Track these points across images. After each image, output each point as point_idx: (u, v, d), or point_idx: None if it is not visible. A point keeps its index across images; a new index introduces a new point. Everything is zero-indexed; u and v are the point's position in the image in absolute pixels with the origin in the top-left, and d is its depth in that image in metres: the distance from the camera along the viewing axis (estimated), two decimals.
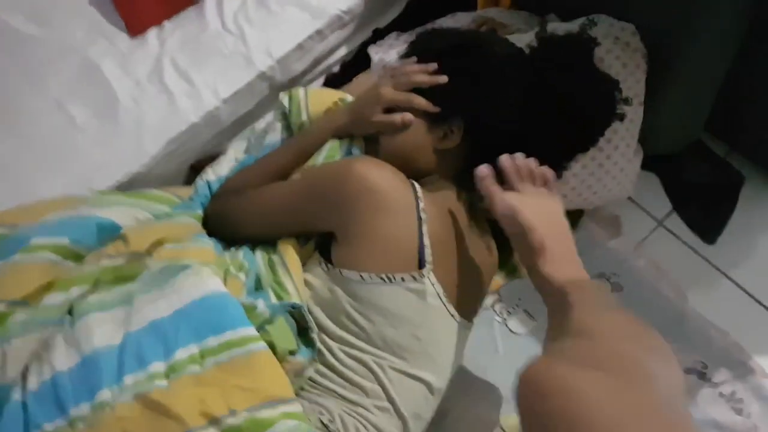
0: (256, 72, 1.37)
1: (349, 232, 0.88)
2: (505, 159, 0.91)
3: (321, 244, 0.96)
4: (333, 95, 1.16)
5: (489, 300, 1.38)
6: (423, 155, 0.99)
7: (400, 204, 0.87)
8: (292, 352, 0.85)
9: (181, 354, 0.79)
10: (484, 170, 0.89)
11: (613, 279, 1.45)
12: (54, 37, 1.39)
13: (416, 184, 0.91)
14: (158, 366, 0.78)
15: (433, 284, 0.87)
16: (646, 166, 1.45)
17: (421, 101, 0.97)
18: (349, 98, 1.15)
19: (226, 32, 1.40)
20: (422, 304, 0.87)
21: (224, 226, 1.05)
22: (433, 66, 0.98)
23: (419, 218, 0.87)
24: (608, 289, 0.80)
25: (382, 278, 0.85)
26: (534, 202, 0.87)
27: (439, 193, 0.95)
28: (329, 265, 0.90)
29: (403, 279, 0.85)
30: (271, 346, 0.82)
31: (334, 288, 0.88)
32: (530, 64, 0.99)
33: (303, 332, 0.89)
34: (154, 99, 1.33)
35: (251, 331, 0.81)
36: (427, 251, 0.87)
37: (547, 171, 0.93)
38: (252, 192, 1.02)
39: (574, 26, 1.17)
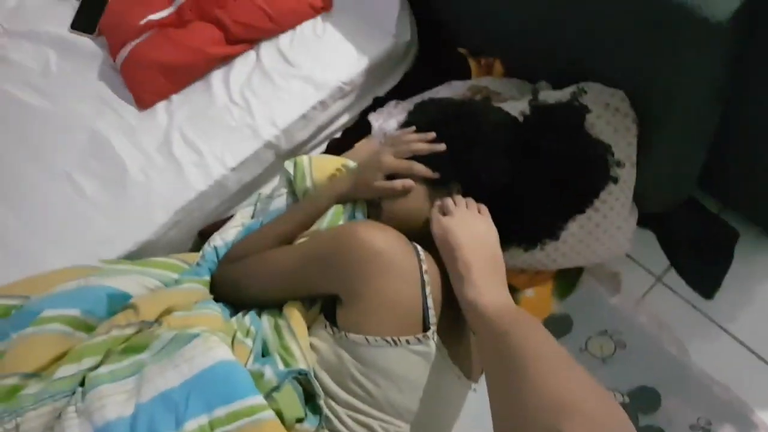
0: (262, 141, 1.42)
1: (354, 296, 0.89)
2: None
3: (326, 307, 0.97)
4: (336, 162, 1.19)
5: None
6: (424, 218, 1.01)
7: (404, 267, 0.88)
8: (299, 420, 0.86)
9: (190, 425, 0.79)
10: (437, 202, 0.98)
11: (616, 336, 1.46)
12: (63, 111, 1.44)
13: (418, 247, 0.93)
14: None
15: (437, 346, 0.88)
16: (642, 223, 1.48)
17: (420, 168, 1.01)
18: (352, 164, 1.18)
19: (233, 104, 1.46)
20: (428, 366, 0.88)
21: (231, 291, 1.07)
22: (432, 135, 1.02)
23: (422, 280, 0.89)
24: (538, 321, 0.81)
25: (387, 341, 0.86)
26: (468, 226, 0.92)
27: (438, 253, 0.98)
28: (335, 329, 0.91)
29: (408, 341, 0.86)
30: (279, 414, 0.82)
31: (340, 352, 0.89)
32: (524, 131, 1.03)
33: (310, 398, 0.89)
34: (163, 170, 1.37)
35: (259, 399, 0.82)
36: (431, 313, 0.88)
37: (482, 205, 0.99)
38: (258, 257, 1.04)
39: (565, 94, 1.22)
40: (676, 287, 1.56)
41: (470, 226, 0.93)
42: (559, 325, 1.47)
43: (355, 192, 1.07)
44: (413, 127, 1.06)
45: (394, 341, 0.86)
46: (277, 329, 0.97)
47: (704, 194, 1.61)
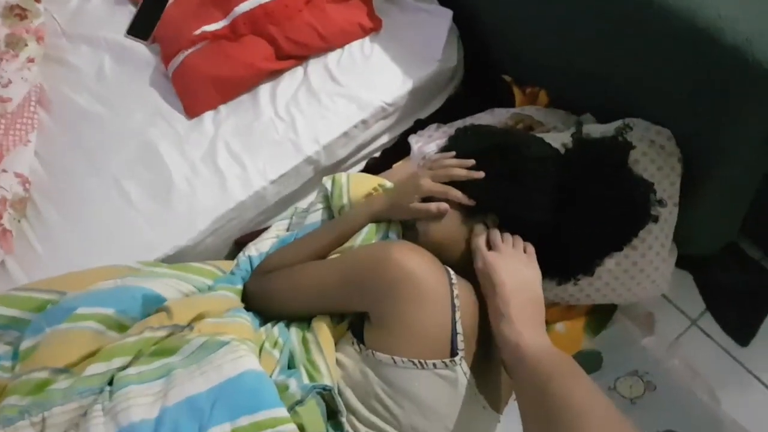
0: (303, 157, 1.43)
1: (383, 317, 0.89)
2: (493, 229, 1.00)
3: (354, 323, 0.98)
4: (373, 181, 1.20)
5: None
6: (457, 245, 1.01)
7: (436, 292, 0.88)
8: None
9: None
10: (479, 229, 1.00)
11: (647, 378, 1.44)
12: (115, 116, 1.48)
13: (451, 271, 0.93)
14: None
15: (464, 373, 0.88)
16: (681, 265, 1.45)
17: (457, 193, 1.00)
18: (389, 185, 1.19)
19: (278, 119, 1.48)
20: (453, 393, 0.87)
21: (261, 301, 1.09)
22: (471, 162, 1.02)
23: (453, 306, 0.88)
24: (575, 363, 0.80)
25: (414, 363, 0.86)
26: (512, 265, 0.92)
27: (472, 281, 0.97)
28: (362, 346, 0.91)
29: (435, 365, 0.86)
30: (301, 429, 0.82)
31: (366, 370, 0.89)
32: (566, 165, 1.03)
33: (332, 415, 0.89)
34: (207, 179, 1.39)
35: (283, 412, 0.82)
36: (460, 338, 0.87)
37: (529, 245, 0.99)
38: (289, 270, 1.06)
39: (609, 128, 1.21)
40: (711, 332, 1.53)
41: (515, 266, 0.93)
42: (588, 362, 1.45)
43: (391, 212, 1.07)
44: (453, 152, 1.06)
45: (420, 364, 0.86)
46: (304, 343, 0.98)
47: (746, 240, 1.58)
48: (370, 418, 0.88)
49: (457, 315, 0.88)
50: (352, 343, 0.93)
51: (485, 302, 0.94)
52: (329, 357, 0.93)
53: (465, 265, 0.99)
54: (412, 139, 1.53)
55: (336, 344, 0.97)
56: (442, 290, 0.89)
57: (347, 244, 1.07)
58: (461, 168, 1.02)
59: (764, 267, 1.56)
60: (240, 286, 1.13)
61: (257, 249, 1.21)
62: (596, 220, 0.99)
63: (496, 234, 0.98)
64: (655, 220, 1.05)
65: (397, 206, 1.06)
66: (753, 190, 1.33)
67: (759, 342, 1.49)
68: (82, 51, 1.58)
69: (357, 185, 1.18)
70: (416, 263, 0.89)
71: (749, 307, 1.53)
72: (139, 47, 1.58)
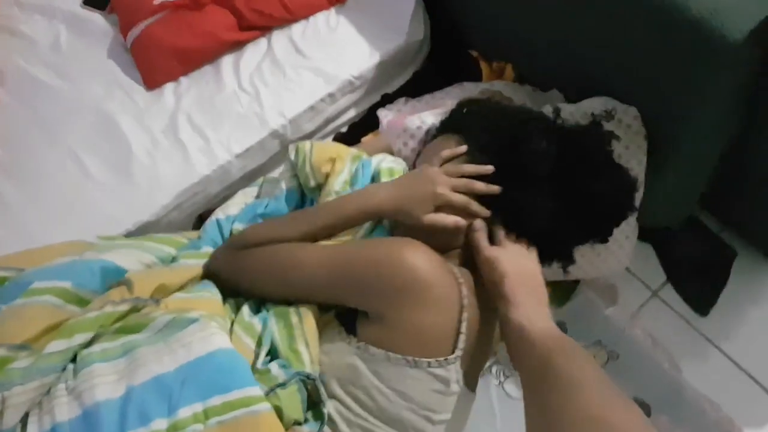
0: (269, 130, 1.41)
1: (386, 317, 0.85)
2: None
3: (342, 313, 0.94)
4: (335, 148, 1.19)
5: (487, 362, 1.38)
6: (458, 241, 1.00)
7: (446, 298, 0.86)
8: (298, 423, 0.84)
9: (184, 412, 0.77)
10: (478, 224, 0.98)
11: (610, 347, 1.47)
12: (72, 88, 1.43)
13: (455, 269, 0.91)
14: (160, 423, 0.76)
15: (456, 371, 0.86)
16: (642, 237, 1.47)
17: (477, 208, 0.98)
18: (353, 151, 1.17)
19: (242, 91, 1.45)
20: (444, 390, 0.86)
21: (233, 277, 1.00)
22: (489, 169, 0.98)
23: (461, 307, 0.86)
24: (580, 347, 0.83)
25: (407, 360, 0.84)
26: (513, 256, 0.94)
27: (468, 266, 0.96)
28: (352, 337, 0.88)
29: (429, 364, 0.84)
30: (278, 411, 0.81)
31: (356, 362, 0.86)
32: (564, 169, 0.98)
33: (313, 404, 0.87)
34: (168, 152, 1.35)
35: (257, 391, 0.80)
36: (462, 338, 0.86)
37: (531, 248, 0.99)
38: (274, 251, 0.97)
39: (580, 109, 1.22)
40: (672, 302, 1.56)
41: (516, 257, 0.93)
42: None
43: (398, 216, 1.00)
44: (465, 148, 1.03)
45: (414, 362, 0.84)
46: (287, 329, 0.93)
47: (705, 213, 1.62)
48: (355, 408, 0.86)
49: (464, 314, 0.86)
50: (340, 332, 0.90)
51: (481, 289, 0.93)
52: (313, 347, 0.90)
53: (462, 249, 0.99)
54: (381, 113, 1.51)
55: (321, 332, 0.93)
56: (453, 295, 0.86)
57: (345, 237, 1.03)
58: (479, 178, 0.98)
59: (723, 239, 1.60)
60: (204, 250, 1.08)
61: (224, 213, 1.16)
62: (581, 215, 0.99)
63: (499, 230, 0.97)
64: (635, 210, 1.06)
65: (407, 214, 0.98)
66: (712, 166, 1.36)
67: (718, 312, 1.53)
68: (36, 21, 1.53)
69: (319, 152, 1.15)
70: (428, 268, 0.85)
71: (708, 279, 1.57)
72: (96, 18, 1.53)
